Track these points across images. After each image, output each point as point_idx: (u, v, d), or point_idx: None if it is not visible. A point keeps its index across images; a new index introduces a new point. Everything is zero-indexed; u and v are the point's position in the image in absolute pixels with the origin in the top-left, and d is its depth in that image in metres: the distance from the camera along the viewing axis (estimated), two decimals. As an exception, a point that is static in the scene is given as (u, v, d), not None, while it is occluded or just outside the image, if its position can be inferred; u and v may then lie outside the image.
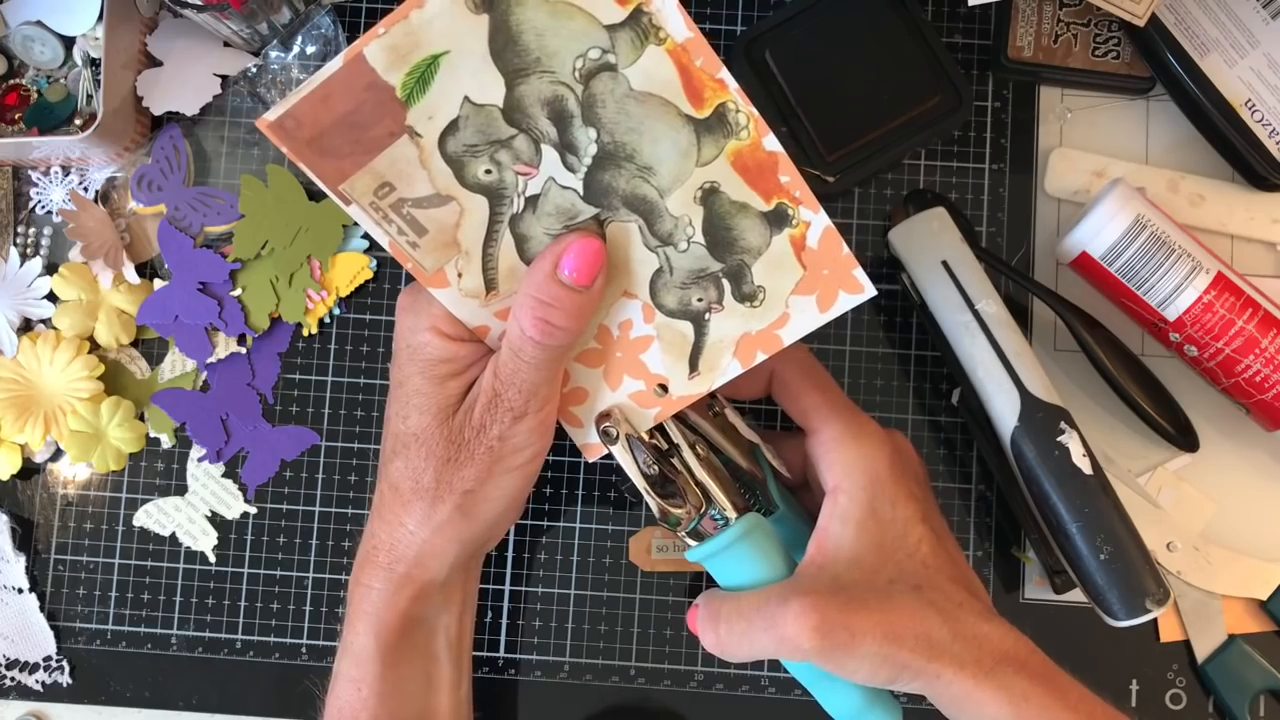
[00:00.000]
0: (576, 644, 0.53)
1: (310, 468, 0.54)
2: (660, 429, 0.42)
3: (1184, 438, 0.51)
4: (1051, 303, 0.51)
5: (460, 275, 0.38)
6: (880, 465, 0.40)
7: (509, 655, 0.53)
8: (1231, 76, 0.50)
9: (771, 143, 0.35)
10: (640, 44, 0.34)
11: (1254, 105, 0.50)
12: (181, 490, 0.54)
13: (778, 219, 0.37)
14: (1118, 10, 0.49)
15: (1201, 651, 0.52)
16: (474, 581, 0.47)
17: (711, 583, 0.43)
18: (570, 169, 0.36)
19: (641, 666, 0.53)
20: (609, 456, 0.42)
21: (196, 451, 0.54)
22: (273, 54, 0.54)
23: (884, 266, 0.54)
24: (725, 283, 0.38)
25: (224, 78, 0.55)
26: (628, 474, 0.41)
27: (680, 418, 0.42)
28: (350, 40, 0.56)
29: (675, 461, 0.42)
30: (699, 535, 0.41)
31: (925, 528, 0.40)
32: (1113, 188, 0.49)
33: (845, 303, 0.38)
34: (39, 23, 0.53)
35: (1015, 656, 0.38)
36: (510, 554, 0.53)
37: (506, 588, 0.53)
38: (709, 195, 0.36)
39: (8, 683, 0.54)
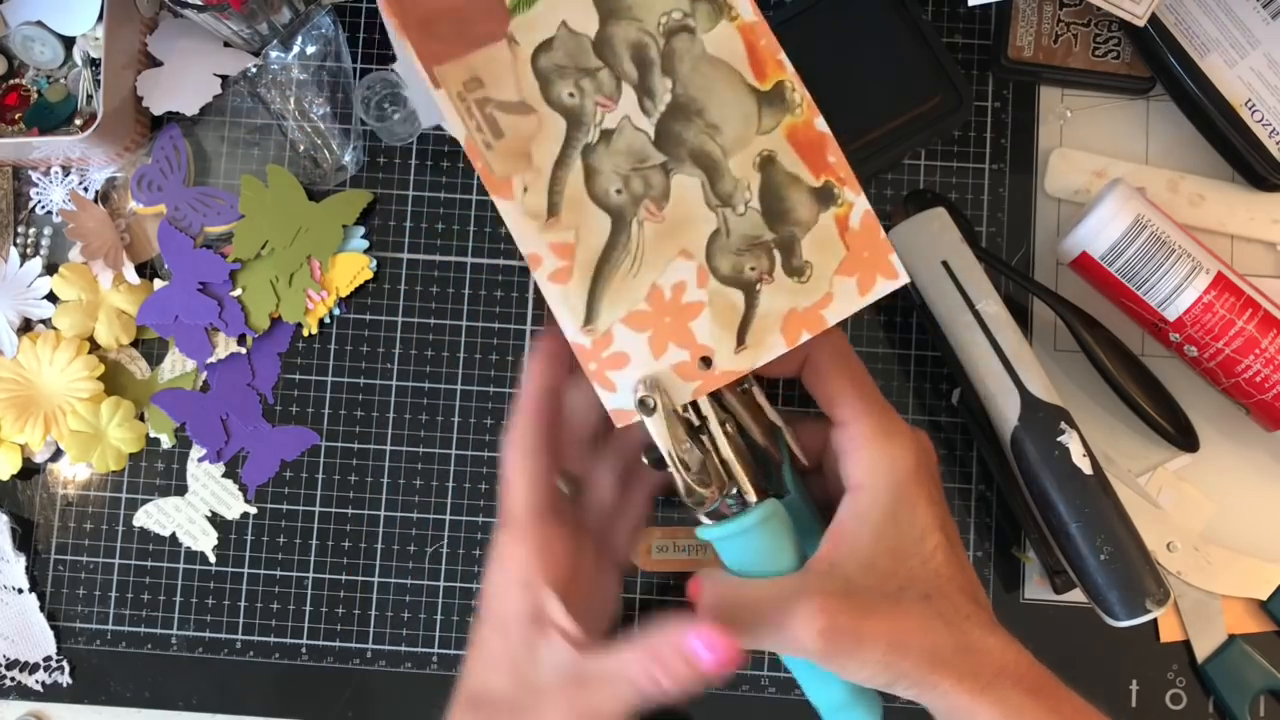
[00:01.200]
0: (576, 644, 0.53)
1: (310, 468, 0.54)
2: (694, 404, 0.42)
3: (1184, 438, 0.51)
4: (1051, 303, 0.51)
5: (526, 190, 0.39)
6: (906, 468, 0.39)
7: (509, 655, 0.53)
8: (1231, 76, 0.50)
9: (821, 124, 0.38)
10: (715, 16, 0.38)
11: (1254, 105, 0.50)
12: (181, 490, 0.54)
13: (825, 196, 0.39)
14: (1118, 10, 0.49)
15: (1201, 651, 0.52)
16: None
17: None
18: (645, 112, 0.38)
19: (641, 666, 0.53)
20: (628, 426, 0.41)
21: (196, 451, 0.54)
22: (273, 54, 0.54)
23: (884, 266, 0.54)
24: (776, 254, 0.39)
25: (224, 78, 0.55)
26: (660, 447, 0.40)
27: (714, 394, 0.42)
28: (350, 41, 0.56)
29: (704, 439, 0.41)
30: (716, 515, 0.41)
31: (941, 535, 0.39)
32: (1113, 188, 0.49)
33: (882, 288, 0.39)
34: (39, 23, 0.53)
35: (1013, 669, 0.38)
36: (510, 554, 0.53)
37: (506, 588, 0.53)
38: (767, 162, 0.38)
39: (8, 683, 0.54)
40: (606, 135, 0.38)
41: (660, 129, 0.38)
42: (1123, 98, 0.55)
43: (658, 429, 0.40)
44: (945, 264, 0.49)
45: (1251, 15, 0.50)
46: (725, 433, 0.41)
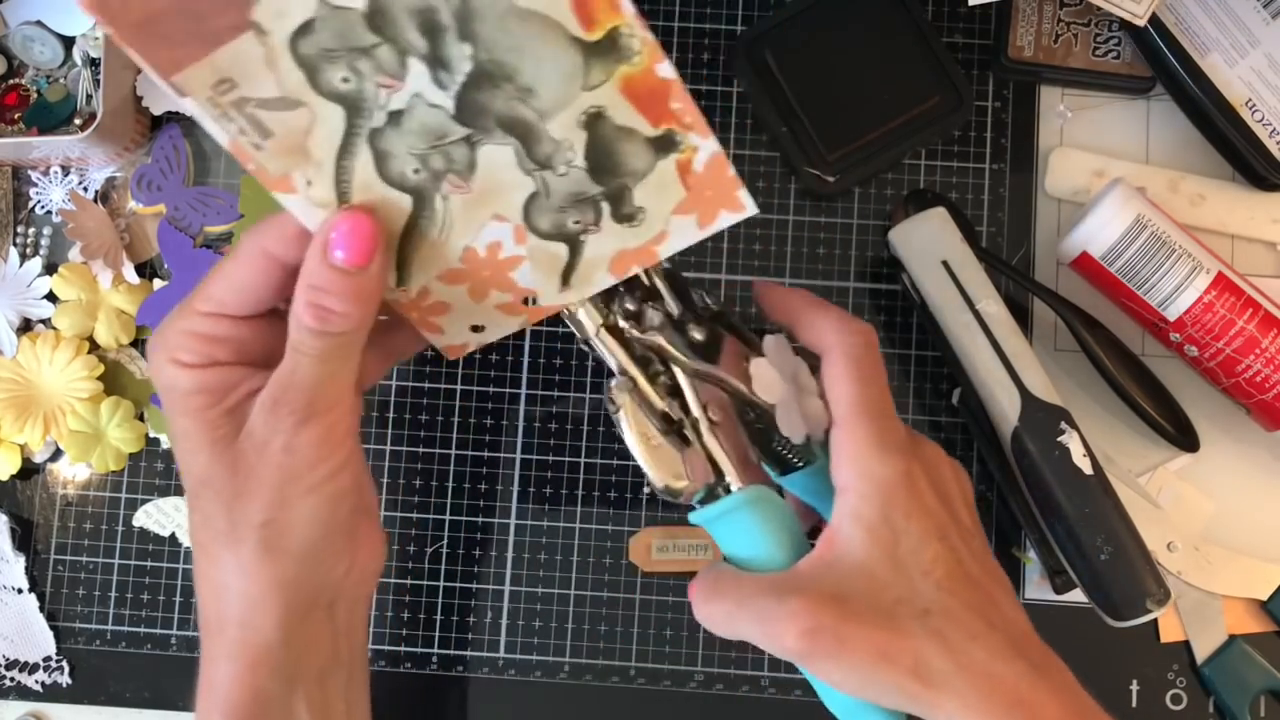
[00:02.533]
0: (576, 644, 0.53)
1: (310, 468, 0.54)
2: (676, 391, 0.40)
3: (1184, 438, 0.51)
4: (1051, 303, 0.51)
5: (310, 184, 0.35)
6: (895, 474, 0.37)
7: (509, 655, 0.53)
8: (1232, 76, 0.50)
9: (665, 69, 0.33)
10: None
11: (1254, 105, 0.50)
12: (181, 490, 0.54)
13: (664, 144, 0.35)
14: (1118, 10, 0.49)
15: (1201, 652, 0.52)
16: (343, 639, 0.40)
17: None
18: (441, 86, 0.33)
19: (641, 666, 0.53)
20: (609, 430, 0.41)
21: (196, 451, 0.54)
22: (273, 54, 0.54)
23: (884, 266, 0.54)
24: (605, 205, 0.36)
25: (224, 78, 0.55)
26: (630, 446, 0.39)
27: (703, 376, 0.40)
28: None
29: (686, 429, 0.40)
30: (711, 500, 0.40)
31: (942, 546, 0.37)
32: (1113, 188, 0.49)
33: (725, 220, 0.37)
34: (39, 23, 0.53)
35: (1031, 704, 0.35)
36: (510, 554, 0.53)
37: (506, 588, 0.53)
38: (593, 120, 0.34)
39: (7, 683, 0.54)
40: (396, 116, 0.34)
41: (461, 101, 0.34)
42: (1123, 98, 0.55)
43: (627, 427, 0.39)
44: (945, 264, 0.49)
45: (1251, 15, 0.50)
46: (710, 420, 0.40)
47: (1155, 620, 0.51)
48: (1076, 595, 0.48)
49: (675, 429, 0.40)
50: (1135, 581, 0.45)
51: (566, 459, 0.54)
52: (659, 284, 0.41)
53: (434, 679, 0.53)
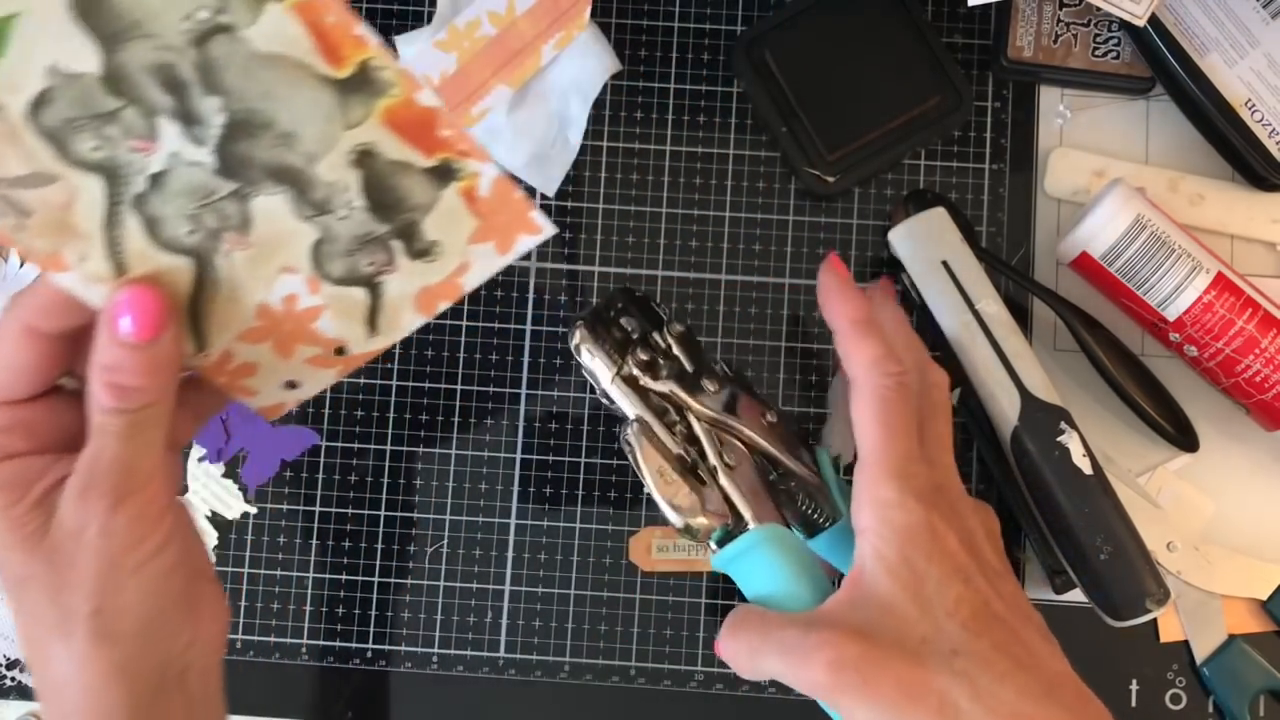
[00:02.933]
0: (576, 644, 0.53)
1: (310, 468, 0.54)
2: (693, 439, 0.41)
3: (1184, 438, 0.51)
4: (1051, 303, 0.51)
5: (83, 259, 0.34)
6: (915, 521, 0.37)
7: (509, 655, 0.53)
8: (1231, 76, 0.50)
9: (426, 97, 0.33)
10: (258, 2, 0.30)
11: (1254, 105, 0.50)
12: (181, 490, 0.54)
13: (443, 174, 0.34)
14: (1118, 10, 0.49)
15: (1201, 651, 0.52)
16: (199, 707, 0.38)
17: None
18: (198, 142, 0.32)
19: (641, 666, 0.53)
20: (620, 457, 0.42)
21: (196, 451, 0.54)
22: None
23: (884, 266, 0.54)
24: (396, 243, 0.35)
25: (224, 78, 0.55)
26: (647, 485, 0.40)
27: (723, 426, 0.41)
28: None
29: (702, 472, 0.41)
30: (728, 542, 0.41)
31: (966, 588, 0.37)
32: (1113, 188, 0.49)
33: (525, 244, 0.36)
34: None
35: None
36: (510, 554, 0.53)
37: (506, 588, 0.53)
38: (363, 158, 0.34)
39: (8, 683, 0.54)
40: (158, 179, 0.33)
41: (222, 154, 0.33)
42: (1123, 98, 0.55)
43: (646, 469, 0.40)
44: (945, 264, 0.49)
45: (1251, 15, 0.50)
46: (725, 464, 0.40)
47: (1155, 620, 0.51)
48: (1076, 595, 0.48)
49: (690, 470, 0.40)
50: (1135, 581, 0.45)
51: (566, 459, 0.54)
52: (673, 344, 0.42)
53: (434, 679, 0.53)
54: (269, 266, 0.35)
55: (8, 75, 0.30)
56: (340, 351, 0.38)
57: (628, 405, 0.41)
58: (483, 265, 0.36)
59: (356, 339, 0.37)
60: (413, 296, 0.37)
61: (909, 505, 0.37)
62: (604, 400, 0.42)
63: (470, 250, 0.36)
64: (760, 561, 0.40)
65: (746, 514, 0.40)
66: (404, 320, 0.37)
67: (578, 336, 0.43)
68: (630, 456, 0.40)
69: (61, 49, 0.30)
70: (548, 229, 0.36)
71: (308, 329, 0.37)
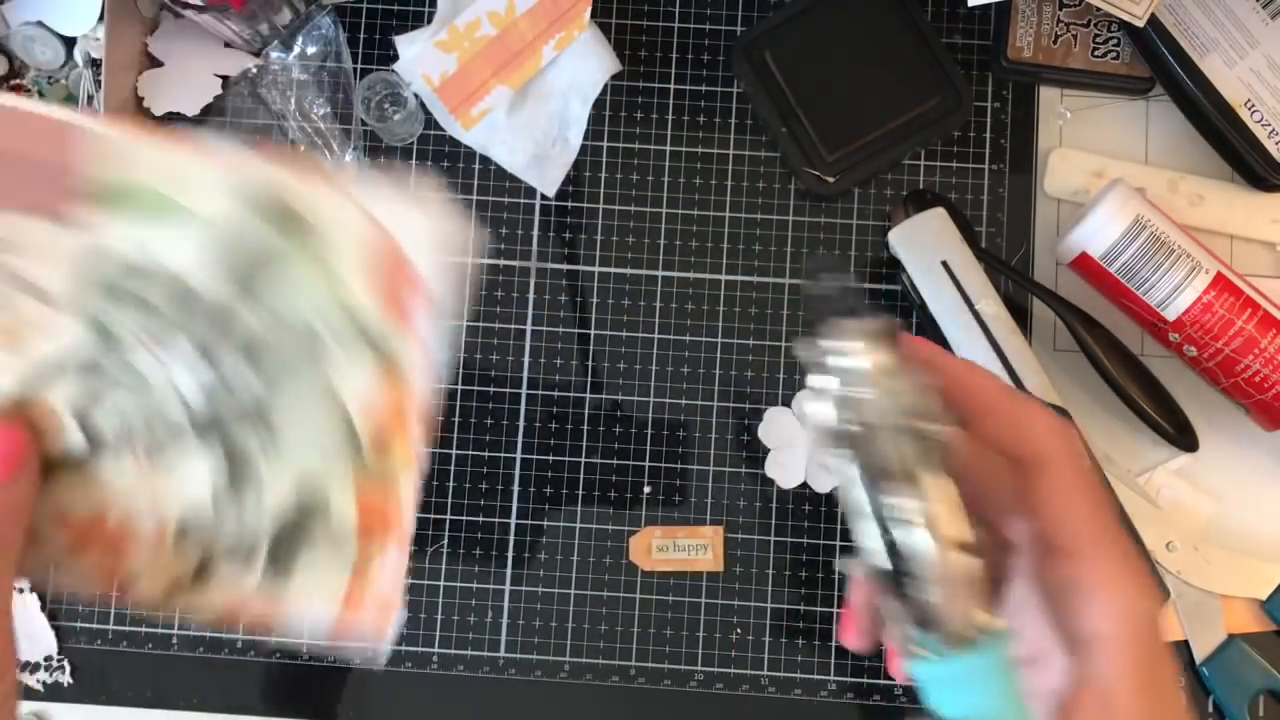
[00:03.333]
0: (576, 644, 0.53)
1: (311, 468, 0.54)
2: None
3: (1183, 438, 0.51)
4: (1051, 303, 0.51)
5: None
6: (1153, 614, 0.30)
7: (509, 655, 0.53)
8: (1231, 77, 0.50)
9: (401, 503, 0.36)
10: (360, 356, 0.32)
11: (1253, 105, 0.50)
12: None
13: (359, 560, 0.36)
14: (1118, 10, 0.49)
15: (1201, 651, 0.52)
16: None
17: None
18: (193, 376, 0.33)
19: (641, 666, 0.53)
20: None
21: (197, 451, 0.54)
22: (274, 55, 0.54)
23: (884, 266, 0.54)
24: (261, 559, 0.35)
25: (225, 78, 0.55)
26: (914, 532, 0.28)
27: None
28: (350, 42, 0.56)
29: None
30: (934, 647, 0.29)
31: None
32: (1112, 188, 0.49)
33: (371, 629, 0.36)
34: (40, 23, 0.53)
35: None
36: (510, 554, 0.53)
37: (506, 587, 0.53)
38: (307, 511, 0.35)
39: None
40: (134, 374, 0.32)
41: (206, 401, 0.32)
42: (1122, 98, 0.55)
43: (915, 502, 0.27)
44: (945, 264, 0.49)
45: (1251, 15, 0.50)
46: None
47: (1154, 620, 0.51)
48: (1076, 595, 0.48)
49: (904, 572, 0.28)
50: (1134, 581, 0.45)
51: (566, 459, 0.54)
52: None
53: (434, 679, 0.53)
54: (145, 494, 0.34)
55: (125, 230, 0.31)
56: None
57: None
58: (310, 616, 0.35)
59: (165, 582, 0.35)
60: (220, 605, 0.35)
61: (1150, 595, 0.30)
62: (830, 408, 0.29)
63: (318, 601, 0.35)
64: (1001, 683, 0.29)
65: (988, 607, 0.28)
66: (202, 603, 0.35)
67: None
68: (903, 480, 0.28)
69: (175, 250, 0.31)
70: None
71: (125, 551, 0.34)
